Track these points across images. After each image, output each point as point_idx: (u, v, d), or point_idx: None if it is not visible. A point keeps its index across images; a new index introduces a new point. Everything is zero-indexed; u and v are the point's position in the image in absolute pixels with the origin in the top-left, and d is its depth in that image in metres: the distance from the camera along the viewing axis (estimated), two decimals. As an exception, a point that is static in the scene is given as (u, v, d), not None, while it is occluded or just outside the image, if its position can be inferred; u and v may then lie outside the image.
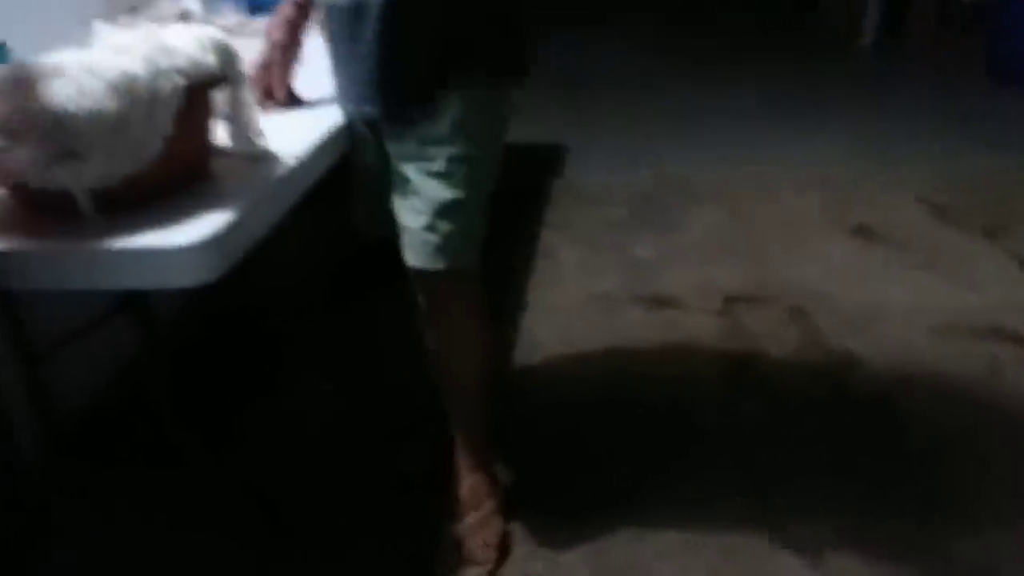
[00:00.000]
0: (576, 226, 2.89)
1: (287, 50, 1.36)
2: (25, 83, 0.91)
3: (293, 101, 1.40)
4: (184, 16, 1.78)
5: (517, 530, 1.54)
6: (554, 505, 1.61)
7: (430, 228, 1.27)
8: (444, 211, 1.26)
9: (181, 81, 0.96)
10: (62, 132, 0.89)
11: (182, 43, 0.98)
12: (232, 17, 2.02)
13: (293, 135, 1.24)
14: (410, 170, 1.27)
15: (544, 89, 4.29)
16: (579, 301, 2.37)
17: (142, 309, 1.22)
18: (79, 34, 1.54)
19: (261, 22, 2.00)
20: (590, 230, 2.85)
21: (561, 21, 5.44)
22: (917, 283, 2.42)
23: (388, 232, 1.37)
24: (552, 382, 2.02)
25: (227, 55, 1.03)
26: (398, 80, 1.21)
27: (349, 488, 1.68)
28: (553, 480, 1.68)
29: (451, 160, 1.24)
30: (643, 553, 1.49)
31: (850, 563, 1.46)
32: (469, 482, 1.53)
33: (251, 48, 1.35)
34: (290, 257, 2.06)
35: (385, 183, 1.35)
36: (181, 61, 0.96)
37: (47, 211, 1.00)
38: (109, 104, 0.91)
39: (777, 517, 1.56)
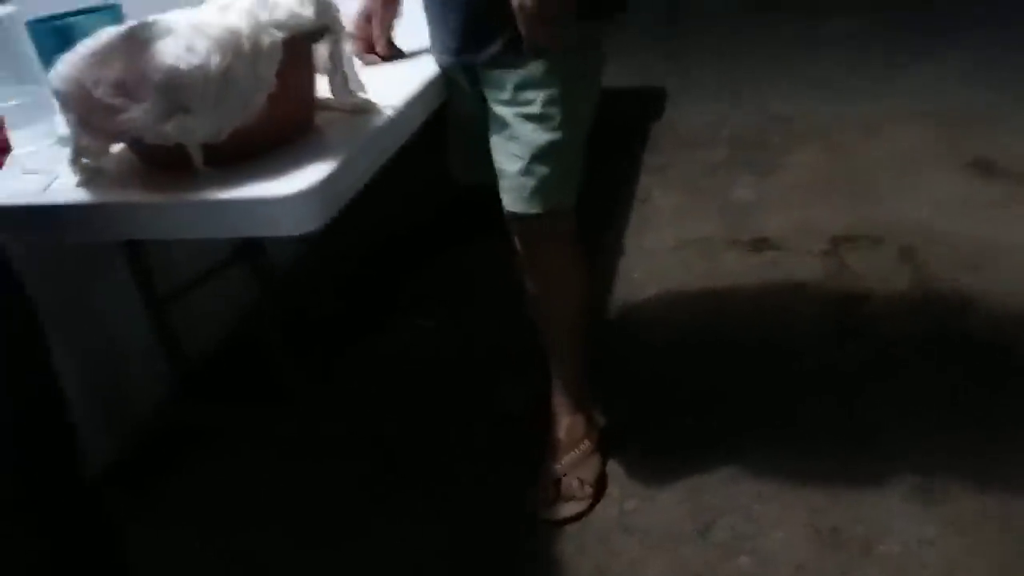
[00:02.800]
0: (675, 169, 2.84)
1: (387, 2, 1.38)
2: (136, 43, 0.96)
3: (393, 53, 1.42)
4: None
5: (614, 469, 1.57)
6: (651, 445, 1.63)
7: (527, 172, 1.29)
8: (541, 154, 1.27)
9: (281, 35, 0.99)
10: (172, 89, 0.94)
11: (282, -3, 1.02)
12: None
13: (392, 86, 1.27)
14: (508, 115, 1.28)
15: (640, 30, 4.19)
16: (677, 244, 2.34)
17: (258, 257, 1.28)
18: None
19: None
20: (689, 173, 2.80)
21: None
22: (1041, 219, 2.27)
23: (485, 179, 1.39)
24: (649, 324, 2.02)
25: (325, 8, 1.06)
26: (495, 28, 1.21)
27: (450, 426, 1.74)
28: (650, 421, 1.70)
29: (547, 103, 1.25)
30: (741, 494, 1.49)
31: (958, 508, 1.42)
32: (567, 422, 1.56)
33: (348, 1, 1.37)
34: (394, 205, 2.11)
35: (481, 131, 1.36)
36: (281, 15, 1.00)
37: (163, 165, 1.06)
38: (214, 60, 0.95)
39: (884, 461, 1.52)
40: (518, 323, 1.64)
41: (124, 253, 1.46)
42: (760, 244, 2.31)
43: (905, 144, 2.82)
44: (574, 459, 1.53)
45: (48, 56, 1.14)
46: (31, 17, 1.27)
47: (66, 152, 1.06)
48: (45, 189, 1.06)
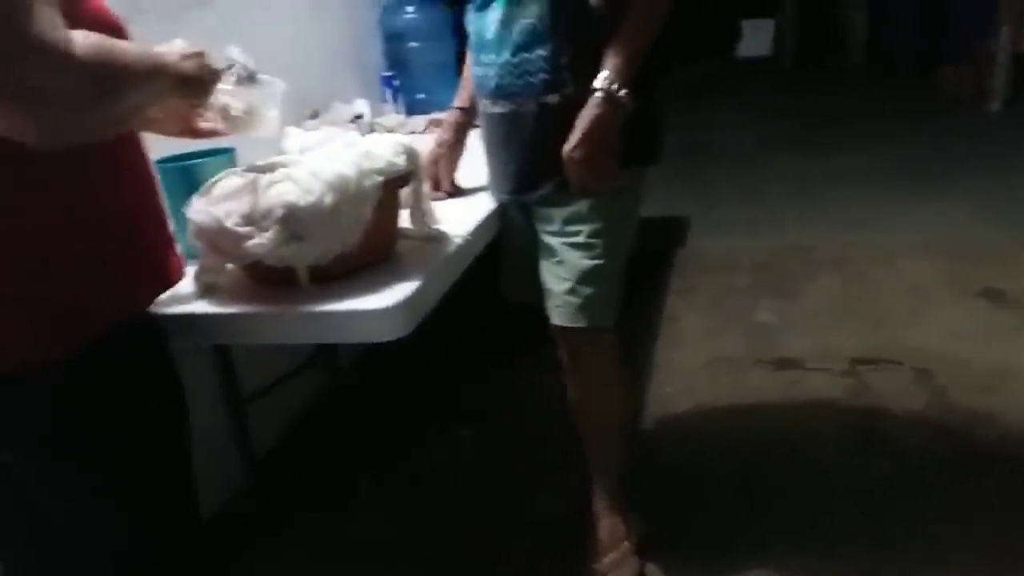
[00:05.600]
0: (701, 292, 3.04)
1: (453, 148, 1.64)
2: (263, 184, 1.17)
3: (456, 191, 1.65)
4: (357, 118, 2.08)
5: (651, 571, 1.67)
6: (686, 549, 1.73)
7: (572, 292, 1.47)
8: (585, 277, 1.46)
9: (379, 180, 1.20)
10: (292, 221, 1.15)
11: (381, 149, 1.24)
12: (393, 118, 2.33)
13: (459, 219, 1.48)
14: (556, 243, 1.48)
15: (662, 163, 4.49)
16: (705, 363, 2.50)
17: (332, 361, 1.46)
18: (276, 136, 1.85)
19: (417, 121, 2.31)
20: (714, 296, 2.99)
21: (676, 100, 5.65)
22: (1049, 345, 2.41)
23: (530, 298, 1.59)
24: (681, 437, 2.15)
25: (414, 158, 1.28)
26: (547, 173, 1.42)
27: (493, 530, 1.85)
28: (685, 526, 1.80)
29: (591, 234, 1.45)
30: (770, 597, 1.59)
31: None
32: (607, 524, 1.68)
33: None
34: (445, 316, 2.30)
35: (530, 256, 1.56)
36: (380, 164, 1.21)
37: (270, 282, 1.26)
38: (327, 199, 1.16)
39: (903, 571, 1.62)
40: (555, 431, 1.78)
41: (207, 355, 1.64)
42: (783, 363, 2.46)
43: (918, 274, 3.00)
44: (615, 559, 1.64)
45: (173, 191, 1.37)
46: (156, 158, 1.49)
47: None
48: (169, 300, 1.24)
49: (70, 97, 0.79)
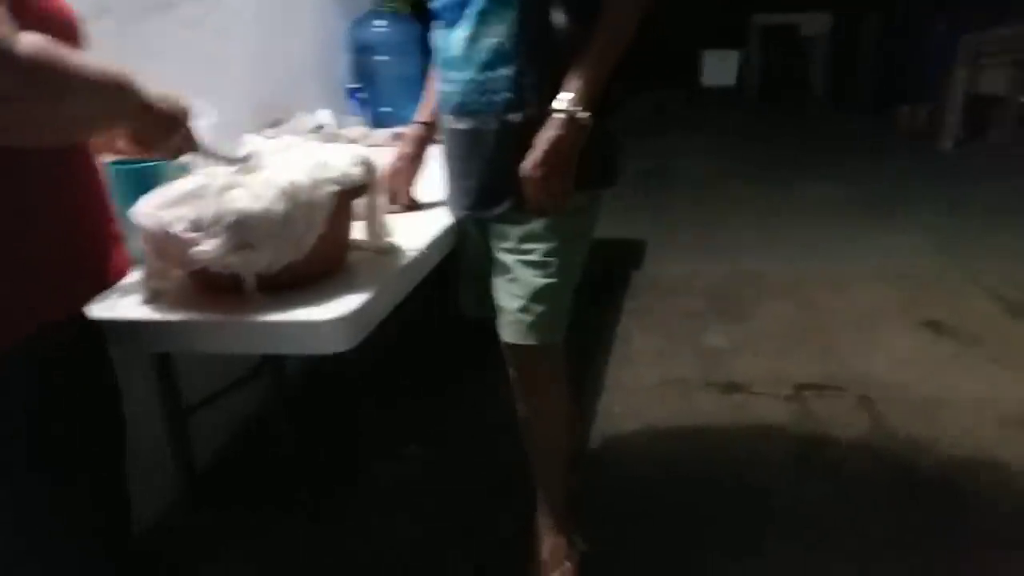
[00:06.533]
0: (653, 314, 3.07)
1: (412, 162, 1.64)
2: (213, 190, 1.17)
3: (413, 204, 1.66)
4: (318, 128, 2.08)
5: (593, 591, 1.68)
6: (628, 570, 1.74)
7: (525, 310, 1.48)
8: (538, 295, 1.47)
9: (334, 189, 1.20)
10: (241, 228, 1.14)
11: (337, 159, 1.24)
12: (357, 130, 2.32)
13: (414, 233, 1.48)
14: (510, 260, 1.49)
15: (623, 187, 4.54)
16: (654, 384, 2.53)
17: (277, 371, 1.45)
18: (234, 144, 1.84)
19: (381, 134, 2.32)
20: (666, 318, 3.03)
21: (640, 126, 5.74)
22: (987, 376, 2.49)
23: (488, 313, 1.59)
24: (627, 458, 2.17)
25: (371, 169, 1.28)
26: (505, 191, 1.43)
27: (442, 548, 1.84)
28: (628, 547, 1.81)
29: (546, 253, 1.46)
30: (710, 618, 1.61)
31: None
32: (550, 543, 1.69)
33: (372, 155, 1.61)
34: (393, 334, 2.30)
35: (486, 272, 1.57)
36: (335, 174, 1.21)
37: (217, 289, 1.25)
38: (278, 206, 1.15)
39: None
40: (507, 450, 1.78)
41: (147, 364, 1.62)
42: (731, 387, 2.50)
43: (867, 303, 3.08)
44: (556, 579, 1.65)
45: (126, 193, 1.35)
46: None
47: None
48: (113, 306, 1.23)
49: (7, 94, 0.77)
